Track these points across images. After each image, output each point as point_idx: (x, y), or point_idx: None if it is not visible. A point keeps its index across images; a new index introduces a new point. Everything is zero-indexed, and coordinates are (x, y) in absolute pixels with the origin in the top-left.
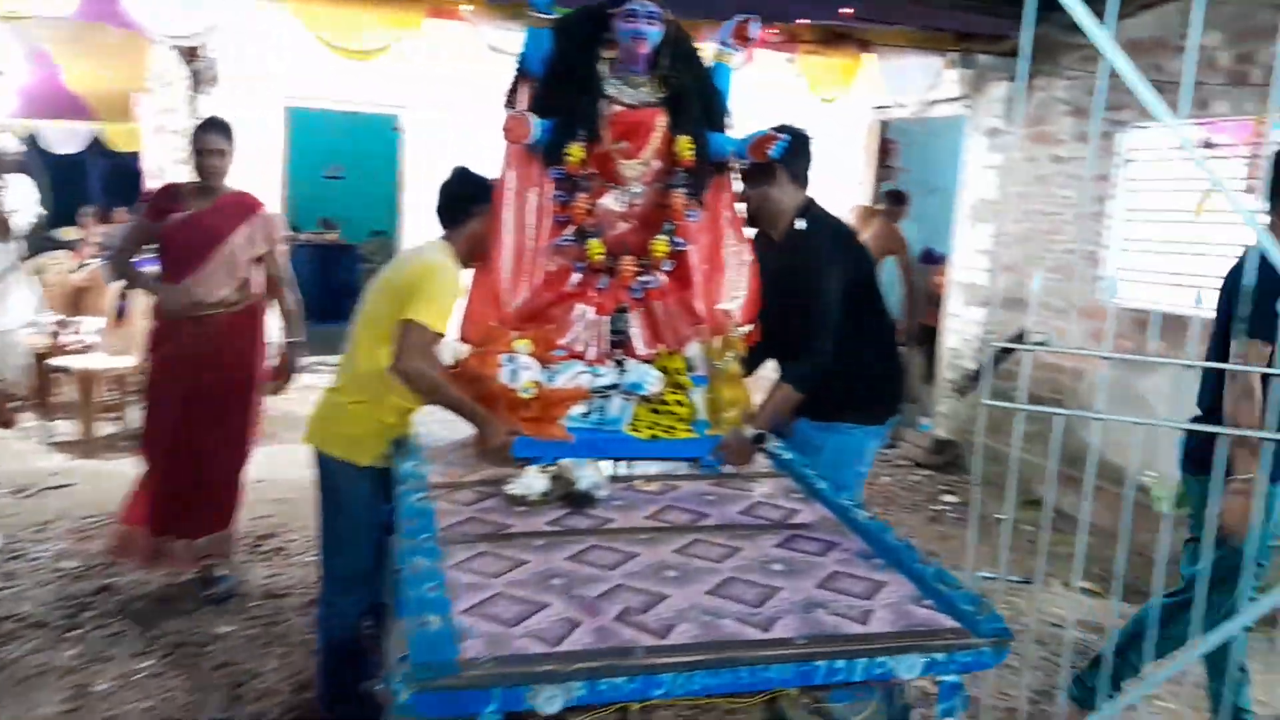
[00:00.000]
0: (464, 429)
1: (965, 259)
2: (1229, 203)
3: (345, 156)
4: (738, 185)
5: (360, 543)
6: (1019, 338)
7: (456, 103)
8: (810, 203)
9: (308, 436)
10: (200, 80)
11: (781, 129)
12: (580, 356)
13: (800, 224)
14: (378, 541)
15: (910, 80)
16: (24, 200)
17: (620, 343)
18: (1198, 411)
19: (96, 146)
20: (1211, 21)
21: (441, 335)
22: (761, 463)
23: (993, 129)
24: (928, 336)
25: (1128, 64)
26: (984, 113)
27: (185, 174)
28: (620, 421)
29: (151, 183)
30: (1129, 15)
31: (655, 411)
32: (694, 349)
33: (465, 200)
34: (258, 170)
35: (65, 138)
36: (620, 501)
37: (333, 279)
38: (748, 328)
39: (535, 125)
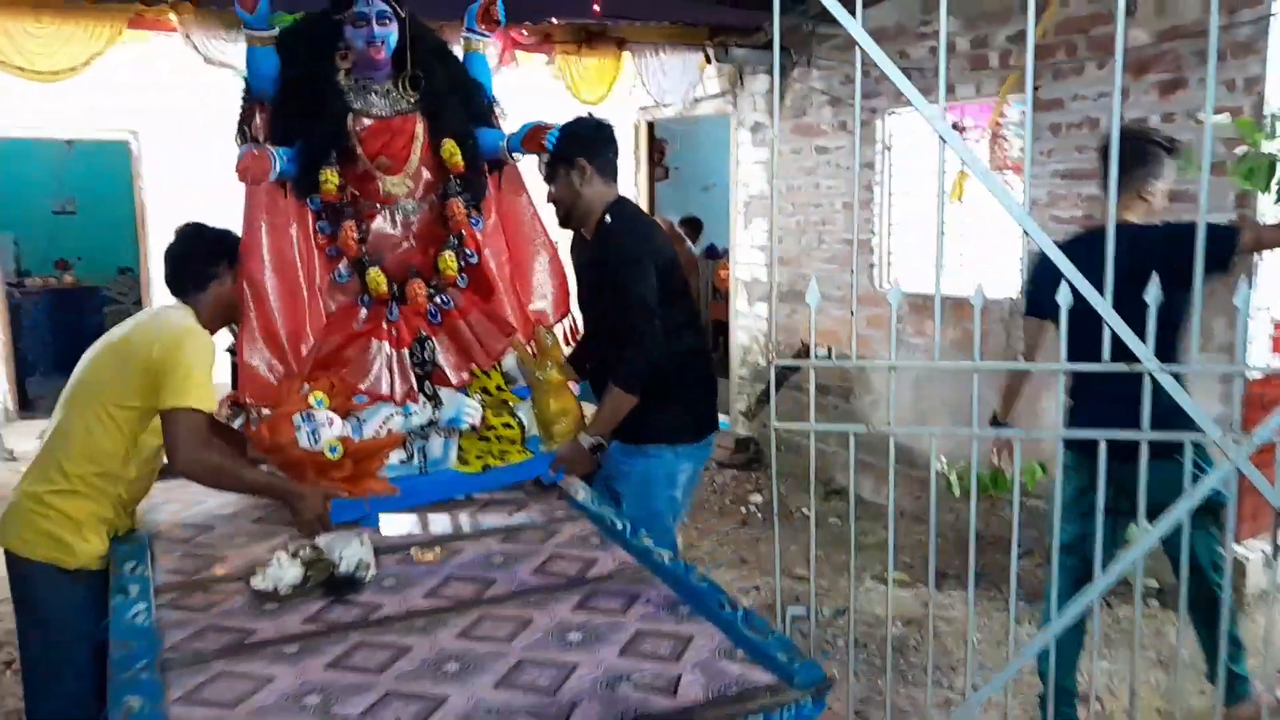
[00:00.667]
0: (217, 499)
1: (744, 255)
2: (988, 186)
3: (77, 188)
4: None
5: (69, 674)
6: (803, 352)
7: (192, 122)
8: (619, 199)
9: None
10: None
11: (579, 122)
12: (386, 398)
13: (608, 219)
14: (97, 669)
15: (671, 79)
16: None
17: (427, 374)
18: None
19: None
20: (948, 8)
21: (210, 413)
22: (556, 505)
23: (756, 123)
24: (718, 331)
25: (880, 53)
26: (747, 108)
27: None
28: (446, 460)
29: None
30: (872, 4)
31: (483, 439)
32: (510, 361)
33: (202, 261)
34: None
35: None
36: (392, 580)
37: (77, 325)
38: (560, 326)
39: (276, 158)
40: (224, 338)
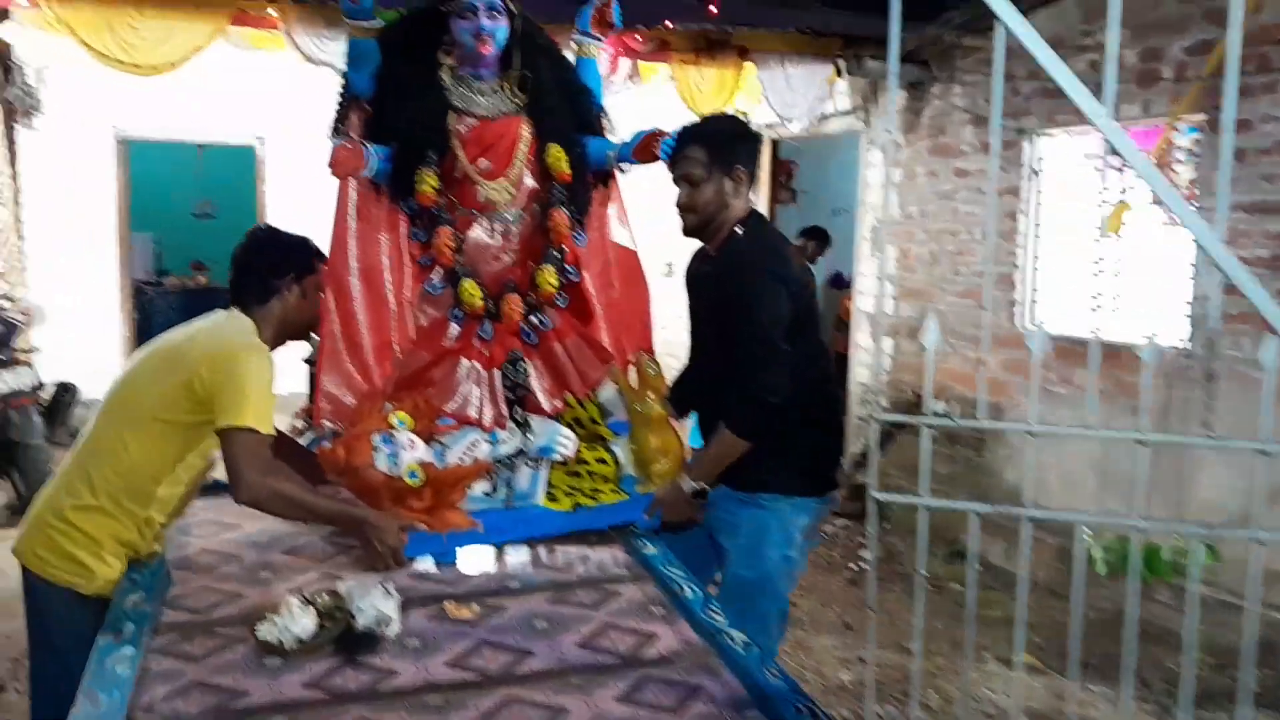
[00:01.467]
0: (254, 523)
1: (869, 284)
2: (1178, 214)
3: (214, 191)
4: (663, 188)
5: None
6: (914, 405)
7: (312, 127)
8: (754, 212)
9: (18, 547)
10: (17, 109)
11: (735, 122)
12: (473, 422)
13: (739, 231)
14: None
15: (797, 92)
16: None
17: (519, 399)
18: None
19: None
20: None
21: (271, 437)
22: (619, 557)
23: (890, 142)
24: (839, 365)
25: (1052, 55)
26: (880, 126)
27: (5, 215)
28: (533, 494)
29: None
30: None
31: (574, 474)
32: (607, 392)
33: (267, 271)
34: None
35: None
36: (416, 641)
37: None
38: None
39: (371, 155)
40: (301, 347)
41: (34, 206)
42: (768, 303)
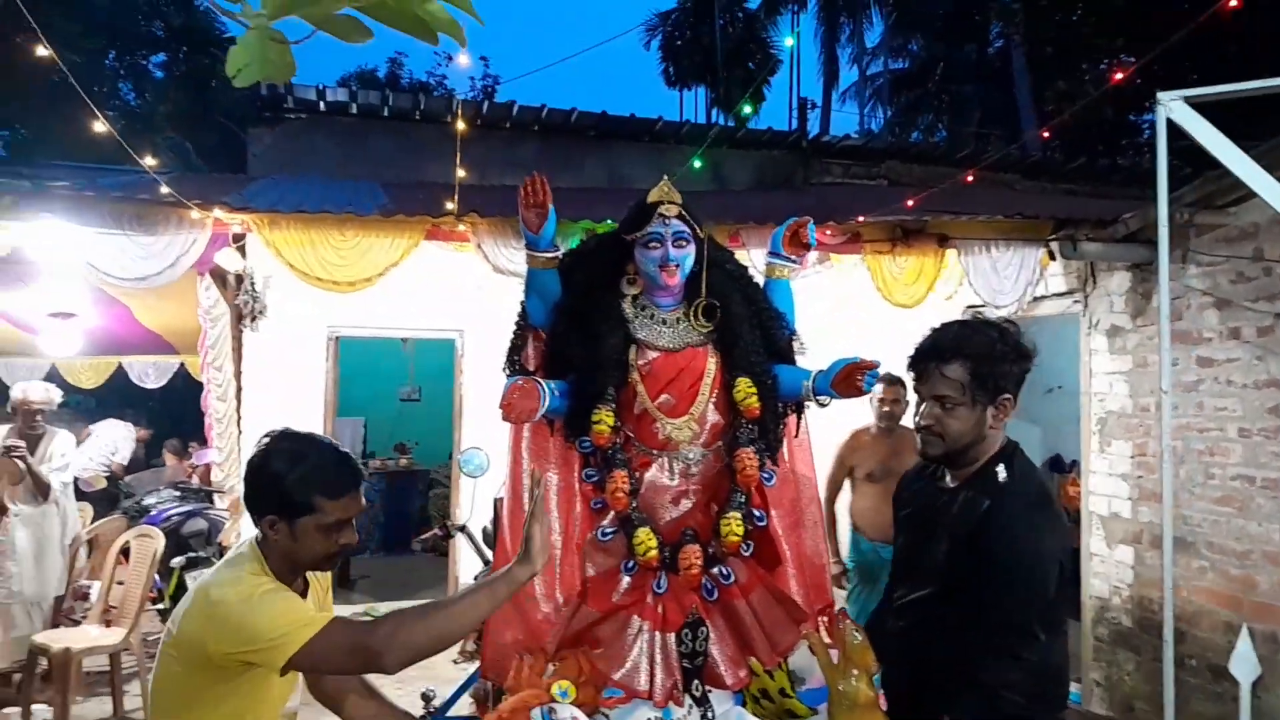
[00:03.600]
0: None
1: (1101, 484)
2: None
3: (422, 378)
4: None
5: None
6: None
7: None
8: (1015, 447)
9: None
10: (246, 314)
11: (1005, 335)
12: (644, 695)
13: (1001, 473)
14: None
15: (1005, 279)
16: (79, 451)
17: (697, 669)
18: None
19: (184, 378)
20: None
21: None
22: None
23: (1113, 327)
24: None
25: None
26: (1101, 309)
27: (225, 410)
28: None
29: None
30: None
31: None
32: (801, 657)
33: (255, 497)
34: (296, 401)
35: (153, 372)
36: None
37: (405, 506)
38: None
39: (546, 393)
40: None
41: (251, 402)
42: (1038, 579)
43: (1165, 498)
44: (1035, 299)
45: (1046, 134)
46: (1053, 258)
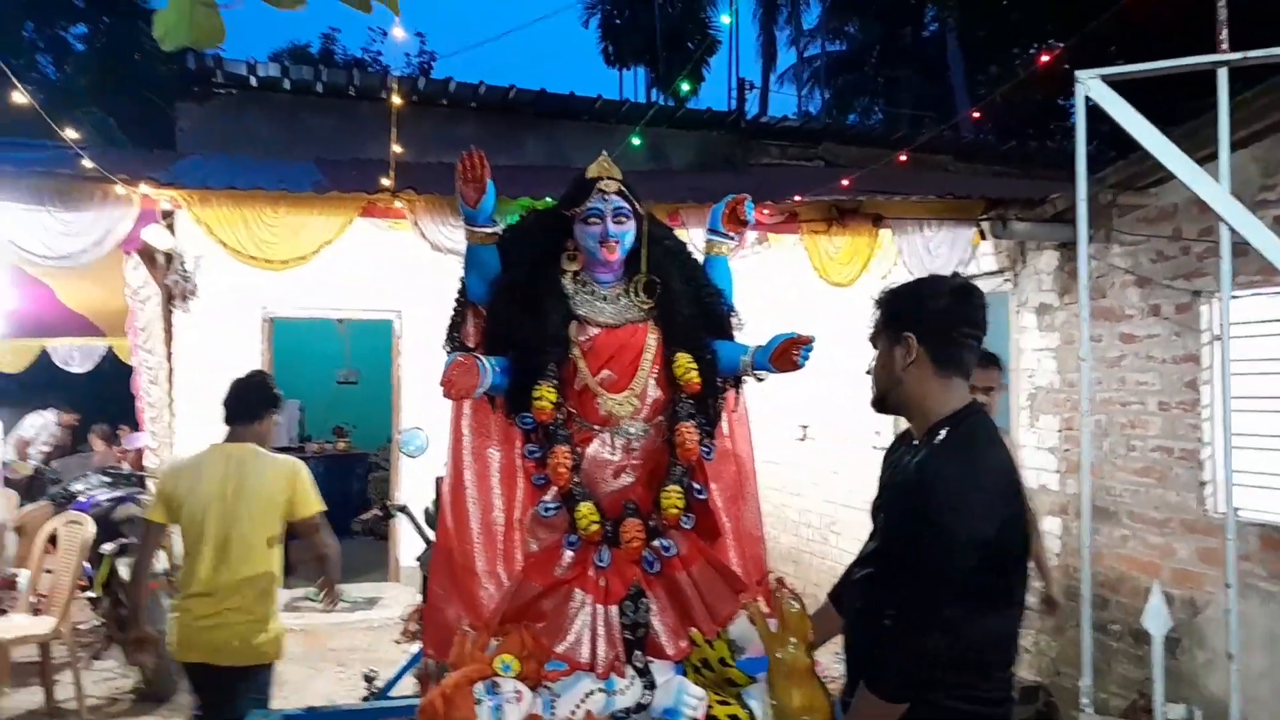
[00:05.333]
0: None
1: (1030, 458)
2: None
3: (359, 362)
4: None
5: None
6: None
7: (444, 303)
8: (968, 410)
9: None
10: (176, 294)
11: (920, 282)
12: (586, 667)
13: (942, 434)
14: None
15: (938, 257)
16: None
17: (639, 640)
18: None
19: (112, 362)
20: None
21: None
22: None
23: (1042, 305)
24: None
25: (1252, 219)
26: (1030, 287)
27: (158, 394)
28: None
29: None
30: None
31: None
32: (740, 627)
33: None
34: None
35: (79, 355)
36: None
37: (344, 489)
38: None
39: (487, 371)
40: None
41: (185, 385)
42: (946, 554)
43: (1083, 464)
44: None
45: (977, 116)
46: (984, 237)
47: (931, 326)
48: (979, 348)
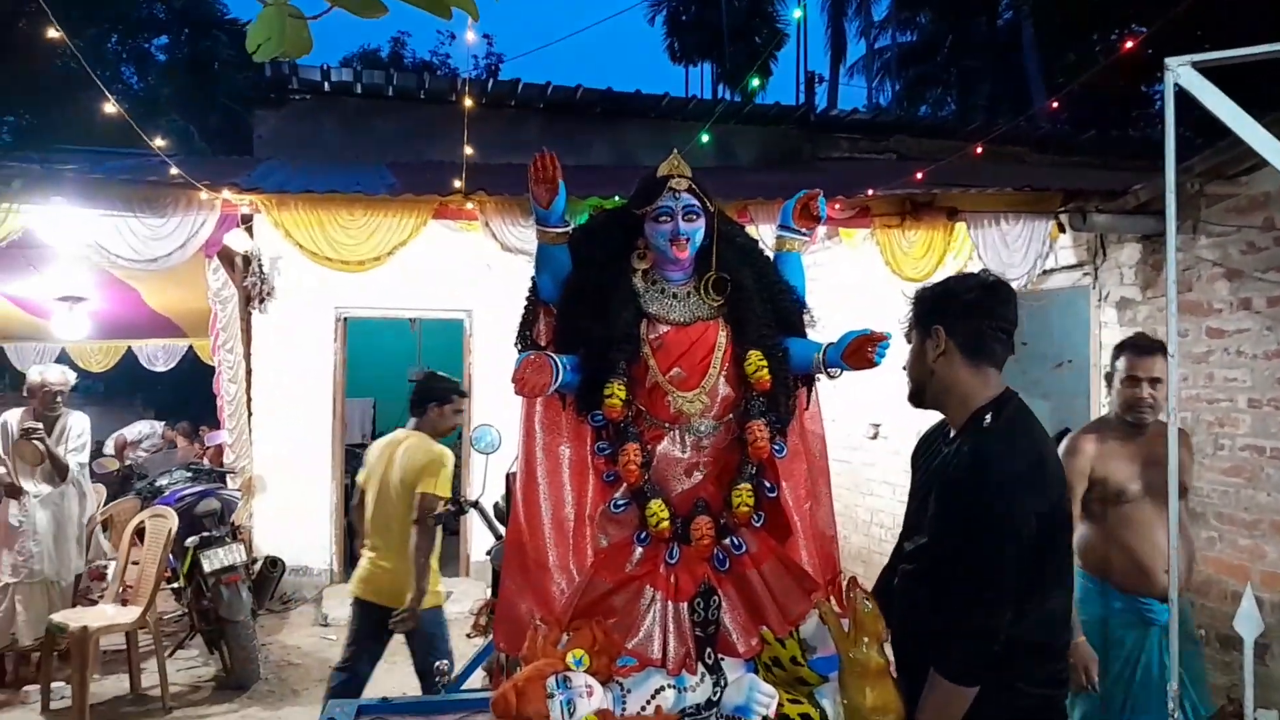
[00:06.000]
0: None
1: None
2: None
3: (431, 360)
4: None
5: None
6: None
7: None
8: (1007, 395)
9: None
10: (254, 295)
11: (949, 280)
12: (657, 663)
13: (987, 419)
14: None
15: (1015, 251)
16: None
17: (709, 637)
18: None
19: (193, 361)
20: None
21: None
22: None
23: (1123, 299)
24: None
25: None
26: (1111, 281)
27: (236, 391)
28: None
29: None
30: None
31: None
32: (812, 626)
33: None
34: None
35: (163, 355)
36: None
37: None
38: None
39: (559, 368)
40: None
41: (261, 383)
42: (1007, 533)
43: (1170, 467)
44: (1045, 272)
45: (1055, 105)
46: (1062, 230)
47: (959, 318)
48: (1009, 340)
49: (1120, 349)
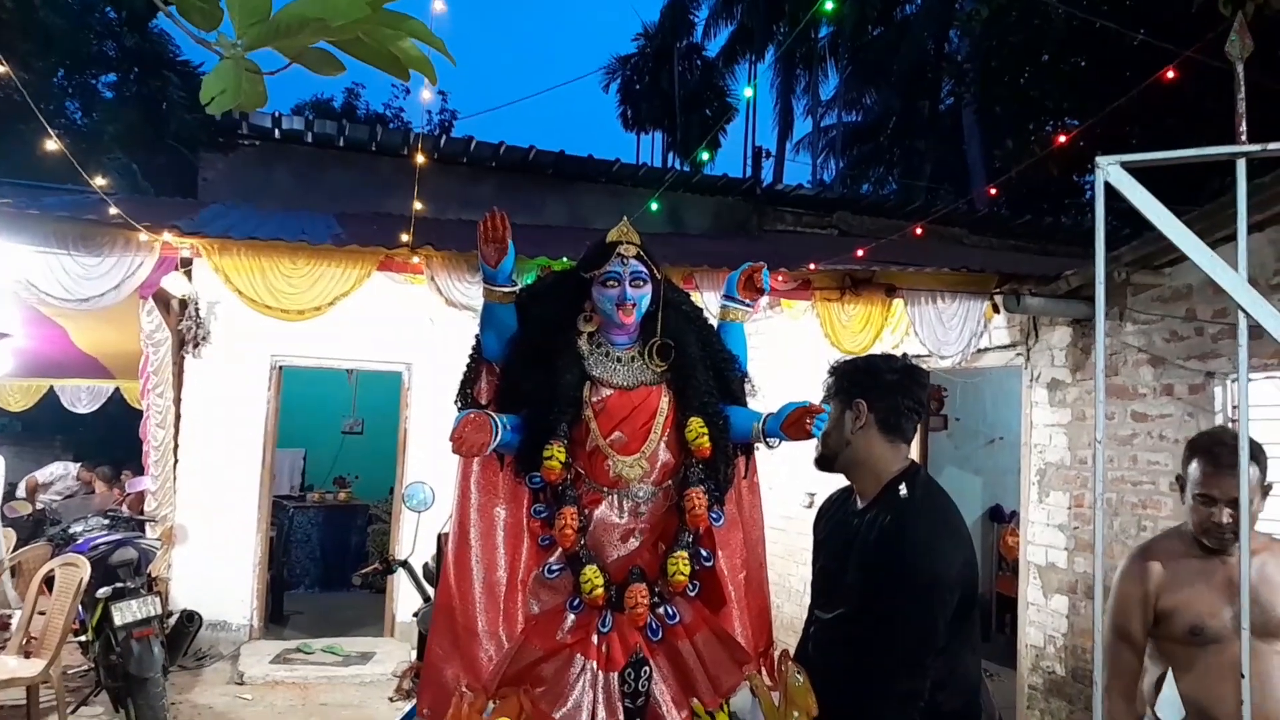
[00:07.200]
0: None
1: (1039, 534)
2: None
3: (365, 411)
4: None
5: None
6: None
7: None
8: (916, 467)
9: None
10: (188, 340)
11: (873, 358)
12: None
13: (902, 490)
14: None
15: (950, 330)
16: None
17: (639, 710)
18: None
19: (118, 404)
20: None
21: None
22: None
23: (1054, 380)
24: (1003, 609)
25: (1257, 298)
26: (1042, 362)
27: (163, 437)
28: None
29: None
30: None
31: None
32: (742, 699)
33: None
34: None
35: (86, 397)
36: None
37: (344, 541)
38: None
39: (499, 428)
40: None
41: (190, 430)
42: (935, 598)
43: (1097, 547)
44: (979, 350)
45: (994, 191)
46: (997, 311)
47: (881, 395)
48: (919, 419)
49: (1193, 451)
